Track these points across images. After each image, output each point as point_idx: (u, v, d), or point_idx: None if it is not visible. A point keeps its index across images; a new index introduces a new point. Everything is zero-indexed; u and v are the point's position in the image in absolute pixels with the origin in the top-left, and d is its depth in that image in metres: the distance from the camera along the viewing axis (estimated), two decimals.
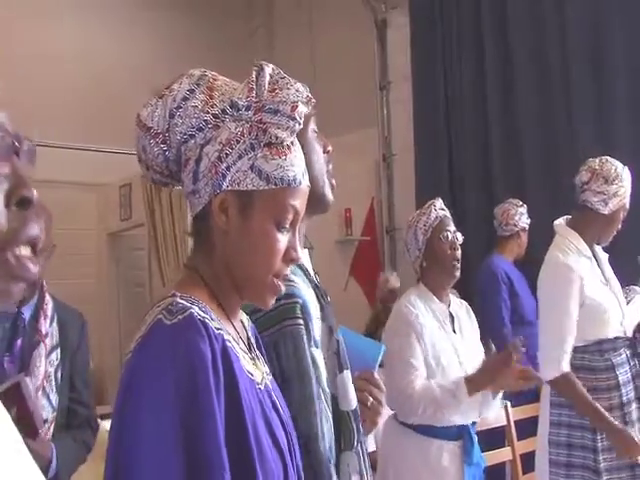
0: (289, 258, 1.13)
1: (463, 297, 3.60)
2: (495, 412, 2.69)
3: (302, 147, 1.16)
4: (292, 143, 1.12)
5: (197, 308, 1.03)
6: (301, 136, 1.15)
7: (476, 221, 5.39)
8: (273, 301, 1.15)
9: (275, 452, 1.08)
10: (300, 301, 1.31)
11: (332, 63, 6.60)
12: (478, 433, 2.72)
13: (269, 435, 1.08)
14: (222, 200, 1.10)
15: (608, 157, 2.81)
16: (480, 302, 4.29)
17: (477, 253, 5.29)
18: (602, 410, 2.61)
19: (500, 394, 2.59)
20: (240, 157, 1.09)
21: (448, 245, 2.63)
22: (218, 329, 1.04)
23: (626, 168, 2.79)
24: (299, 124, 1.12)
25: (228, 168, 1.09)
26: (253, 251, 1.11)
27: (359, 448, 1.38)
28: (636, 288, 3.30)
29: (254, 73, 1.12)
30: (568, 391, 2.67)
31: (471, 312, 2.80)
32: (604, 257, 2.91)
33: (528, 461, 3.51)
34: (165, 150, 1.13)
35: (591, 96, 4.86)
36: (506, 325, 4.18)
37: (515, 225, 4.37)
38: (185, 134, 1.11)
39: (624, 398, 2.65)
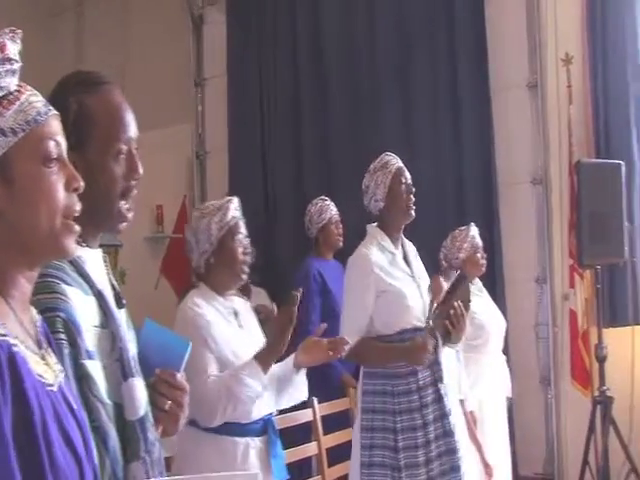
0: (72, 188, 1.06)
1: (275, 295, 3.65)
2: (303, 391, 2.60)
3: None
4: (19, 85, 1.04)
5: None
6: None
7: (289, 219, 5.50)
8: (73, 242, 1.08)
9: (71, 457, 1.02)
10: (62, 315, 1.24)
11: (146, 55, 6.41)
12: (284, 430, 2.73)
13: (64, 440, 1.02)
14: None
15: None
16: None
17: (289, 250, 5.42)
18: (392, 346, 2.97)
19: (304, 370, 2.53)
20: None
21: (242, 249, 2.55)
22: (2, 335, 0.98)
23: (393, 158, 3.10)
24: (16, 61, 1.04)
25: None
26: (33, 204, 1.03)
27: (147, 457, 1.32)
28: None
29: None
30: (365, 348, 2.96)
31: (249, 304, 2.75)
32: (413, 251, 3.20)
33: (334, 455, 3.64)
34: None
35: (397, 98, 5.13)
36: (312, 322, 4.30)
37: (315, 225, 4.57)
38: None
39: (420, 382, 2.95)
